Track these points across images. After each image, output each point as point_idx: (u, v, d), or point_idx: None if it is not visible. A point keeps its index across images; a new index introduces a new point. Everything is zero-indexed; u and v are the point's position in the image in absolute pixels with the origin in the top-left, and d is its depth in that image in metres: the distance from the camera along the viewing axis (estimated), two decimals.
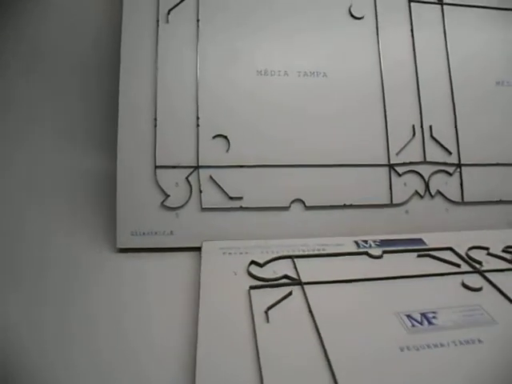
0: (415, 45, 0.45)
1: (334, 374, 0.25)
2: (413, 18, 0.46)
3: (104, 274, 0.36)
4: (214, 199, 0.40)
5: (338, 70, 0.43)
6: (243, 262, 0.36)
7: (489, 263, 0.38)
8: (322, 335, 0.28)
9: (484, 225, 0.44)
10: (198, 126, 0.40)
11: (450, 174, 0.44)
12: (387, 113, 0.43)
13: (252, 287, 0.33)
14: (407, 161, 0.43)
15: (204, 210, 0.40)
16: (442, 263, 0.38)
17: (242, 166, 0.40)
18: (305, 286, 0.33)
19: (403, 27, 0.45)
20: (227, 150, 0.40)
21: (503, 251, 0.40)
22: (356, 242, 0.40)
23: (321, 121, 0.42)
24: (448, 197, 0.44)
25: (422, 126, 0.44)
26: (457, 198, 0.44)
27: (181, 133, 0.40)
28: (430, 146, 0.44)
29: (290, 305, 0.32)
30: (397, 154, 0.43)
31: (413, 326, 0.30)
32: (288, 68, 0.43)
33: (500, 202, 0.45)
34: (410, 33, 0.45)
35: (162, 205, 0.39)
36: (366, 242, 0.40)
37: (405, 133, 0.44)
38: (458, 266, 0.37)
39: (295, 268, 0.36)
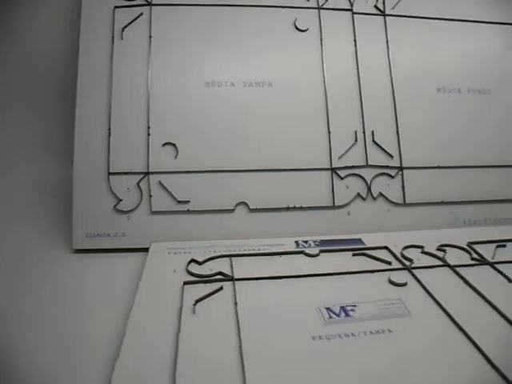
0: (358, 55, 0.48)
1: (244, 363, 0.27)
2: (356, 30, 0.48)
3: (59, 272, 0.39)
4: (162, 203, 0.43)
5: (282, 80, 0.46)
6: (185, 260, 0.39)
7: (420, 260, 0.40)
8: (241, 327, 0.31)
9: (426, 225, 0.46)
10: (148, 134, 0.43)
11: (392, 177, 0.46)
12: (330, 120, 0.46)
13: (186, 282, 0.36)
14: (349, 164, 0.46)
15: (154, 213, 0.43)
16: (374, 261, 0.40)
17: (189, 172, 0.43)
18: (236, 282, 0.36)
19: (347, 38, 0.48)
20: (175, 157, 0.43)
21: (437, 249, 0.42)
22: (296, 242, 0.43)
23: (266, 128, 0.45)
24: (390, 198, 0.46)
25: (364, 132, 0.46)
26: (398, 199, 0.46)
27: (133, 141, 0.43)
28: (373, 150, 0.46)
29: (219, 299, 0.34)
30: (339, 158, 0.46)
31: (330, 317, 0.32)
32: (234, 79, 0.45)
33: (442, 203, 0.47)
34: (353, 43, 0.48)
35: (115, 208, 0.42)
36: (306, 242, 0.43)
37: (348, 138, 0.46)
38: (390, 263, 0.40)
39: (231, 266, 0.38)
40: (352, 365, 0.28)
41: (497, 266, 0.40)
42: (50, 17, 0.49)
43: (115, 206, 0.42)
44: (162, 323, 0.31)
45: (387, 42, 0.49)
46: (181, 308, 0.32)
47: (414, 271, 0.38)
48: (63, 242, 0.42)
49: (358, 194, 0.45)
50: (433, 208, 0.47)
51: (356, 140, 0.46)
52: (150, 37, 0.45)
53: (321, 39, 0.47)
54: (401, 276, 0.38)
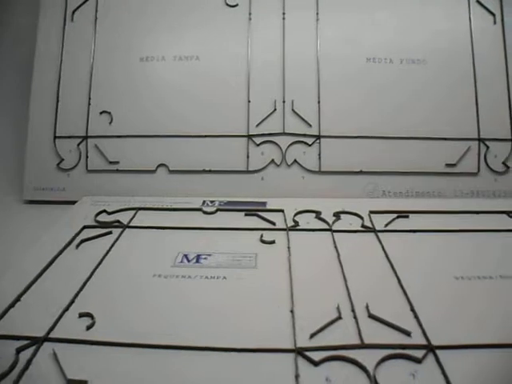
0: (286, 28, 0.50)
1: (89, 281, 0.33)
2: (286, 3, 0.50)
3: (11, 218, 0.48)
4: (97, 163, 0.49)
5: (209, 53, 0.50)
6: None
7: (309, 224, 0.42)
8: (102, 264, 0.36)
9: (344, 194, 0.47)
10: (89, 104, 0.50)
11: (309, 145, 0.48)
12: (251, 90, 0.49)
13: (85, 226, 0.42)
14: (266, 132, 0.48)
15: (89, 171, 0.49)
16: (262, 221, 0.43)
17: (120, 136, 0.49)
18: (127, 230, 0.41)
19: (276, 13, 0.50)
20: (110, 123, 0.49)
21: (334, 215, 0.44)
22: (204, 202, 0.47)
23: (191, 98, 0.49)
24: (305, 166, 0.48)
25: (284, 101, 0.48)
26: (314, 167, 0.48)
27: (76, 110, 0.50)
28: (292, 119, 0.48)
29: (103, 241, 0.40)
30: (257, 126, 0.48)
31: (181, 262, 0.36)
32: (165, 54, 0.50)
33: (360, 172, 0.48)
34: (282, 16, 0.50)
35: (58, 167, 0.50)
36: (213, 202, 0.47)
37: (269, 108, 0.49)
38: (274, 223, 0.42)
39: (133, 216, 0.44)
40: (171, 301, 0.31)
41: (381, 233, 0.41)
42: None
43: (58, 164, 0.49)
44: (46, 254, 0.38)
45: (317, 14, 0.50)
46: (69, 243, 0.39)
47: (291, 233, 0.41)
48: (17, 194, 0.51)
49: (273, 161, 0.48)
50: (351, 177, 0.48)
51: (275, 109, 0.49)
52: (96, 19, 0.51)
53: (249, 14, 0.50)
54: (278, 236, 0.40)
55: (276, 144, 0.48)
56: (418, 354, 0.26)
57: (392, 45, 0.50)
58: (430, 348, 0.26)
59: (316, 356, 0.26)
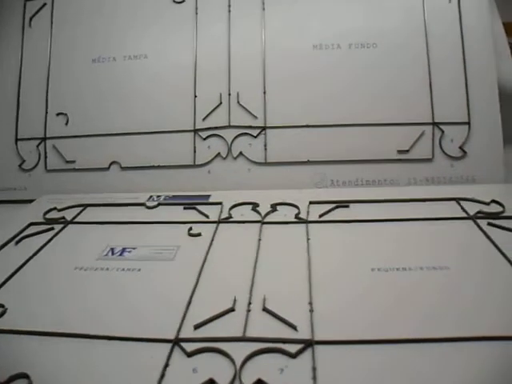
0: (231, 21, 0.49)
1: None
2: None
3: None
4: (55, 163, 0.51)
5: (157, 51, 0.51)
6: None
7: (243, 216, 0.42)
8: (33, 259, 0.37)
9: (291, 184, 0.47)
10: (47, 107, 0.52)
11: (255, 137, 0.48)
12: (198, 85, 0.49)
13: (32, 223, 0.44)
14: (212, 126, 0.48)
15: (48, 171, 0.51)
16: (200, 215, 0.43)
17: (76, 136, 0.51)
18: (70, 225, 0.43)
19: (222, 6, 0.50)
20: (66, 124, 0.51)
21: (271, 206, 0.43)
22: (151, 196, 0.47)
23: (140, 96, 0.50)
24: (250, 158, 0.48)
25: (229, 94, 0.48)
26: (260, 158, 0.48)
27: (35, 113, 0.52)
28: (237, 111, 0.48)
29: (43, 238, 0.41)
30: (203, 120, 0.49)
31: (105, 255, 0.37)
32: (116, 54, 0.51)
33: (308, 162, 0.47)
34: (227, 9, 0.50)
35: (20, 167, 0.52)
36: (159, 196, 0.47)
37: (214, 101, 0.49)
38: (207, 216, 0.42)
39: (79, 213, 0.45)
40: (75, 291, 0.33)
41: (314, 224, 0.40)
42: None
43: (20, 165, 0.52)
44: None
45: (263, 4, 0.49)
46: (11, 239, 0.41)
47: (222, 225, 0.41)
48: None
49: (219, 154, 0.48)
50: (298, 168, 0.47)
51: (221, 102, 0.48)
52: (52, 23, 0.53)
53: (196, 8, 0.50)
54: (208, 229, 0.40)
55: (222, 137, 0.48)
56: (295, 348, 0.26)
57: (340, 30, 0.48)
58: (309, 343, 0.26)
59: (192, 347, 0.26)
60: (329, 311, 0.29)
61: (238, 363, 0.25)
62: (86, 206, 0.47)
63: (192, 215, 0.43)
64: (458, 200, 0.43)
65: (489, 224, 0.38)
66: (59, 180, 0.51)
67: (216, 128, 0.48)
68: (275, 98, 0.48)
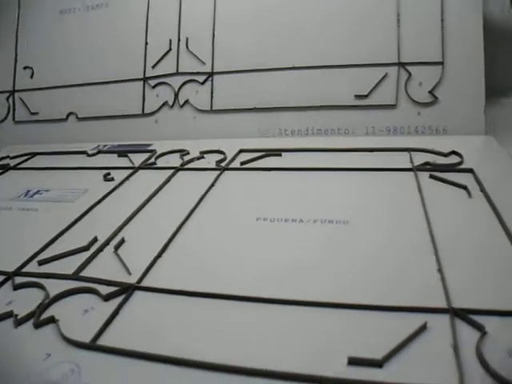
0: None
1: None
2: None
3: None
4: (22, 115, 0.52)
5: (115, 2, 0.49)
6: None
7: (168, 163, 0.40)
8: None
9: (237, 133, 0.43)
10: (16, 61, 0.53)
11: (201, 83, 0.44)
12: (149, 31, 0.47)
13: None
14: (161, 73, 0.46)
15: (16, 122, 0.52)
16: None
17: (40, 89, 0.51)
18: (10, 171, 0.43)
19: None
20: (31, 77, 0.52)
21: (199, 153, 0.40)
22: (98, 145, 0.46)
23: (98, 46, 0.49)
24: (196, 106, 0.45)
25: (179, 40, 0.45)
26: (206, 106, 0.44)
27: (5, 66, 0.53)
28: (187, 58, 0.45)
29: None
30: (152, 68, 0.46)
31: (18, 196, 0.38)
32: (80, 4, 0.50)
33: (254, 109, 0.43)
34: None
35: None
36: (106, 145, 0.46)
37: (165, 48, 0.46)
38: (133, 163, 0.40)
39: (24, 160, 0.46)
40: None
41: (233, 172, 0.37)
42: None
43: None
44: None
45: None
46: None
47: (141, 171, 0.39)
48: None
49: (166, 103, 0.46)
50: (244, 115, 0.44)
51: (170, 48, 0.46)
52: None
53: None
54: (124, 175, 0.39)
55: (170, 85, 0.46)
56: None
57: None
58: (134, 288, 0.24)
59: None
60: (176, 259, 0.26)
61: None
62: (34, 154, 0.47)
63: (123, 162, 0.42)
64: (410, 150, 0.37)
65: (431, 177, 0.32)
66: (26, 131, 0.52)
67: (164, 76, 0.46)
68: (224, 42, 0.44)
